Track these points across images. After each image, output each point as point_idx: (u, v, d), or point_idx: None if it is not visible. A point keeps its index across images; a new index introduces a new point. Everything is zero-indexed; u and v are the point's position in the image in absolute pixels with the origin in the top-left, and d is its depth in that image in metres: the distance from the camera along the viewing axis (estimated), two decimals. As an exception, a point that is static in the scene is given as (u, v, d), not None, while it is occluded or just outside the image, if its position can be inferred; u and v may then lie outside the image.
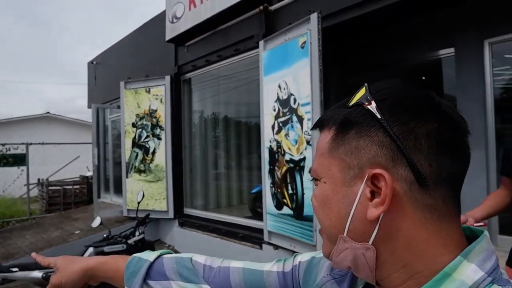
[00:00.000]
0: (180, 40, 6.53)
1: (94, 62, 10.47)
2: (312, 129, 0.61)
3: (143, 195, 4.15)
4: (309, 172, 1.67)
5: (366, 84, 0.54)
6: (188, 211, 6.84)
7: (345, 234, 0.52)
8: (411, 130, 0.48)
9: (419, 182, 0.47)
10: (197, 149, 7.13)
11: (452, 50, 4.33)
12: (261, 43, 4.94)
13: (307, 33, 4.11)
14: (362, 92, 0.52)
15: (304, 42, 4.17)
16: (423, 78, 6.75)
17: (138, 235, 3.94)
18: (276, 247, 4.76)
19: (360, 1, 4.10)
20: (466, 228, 0.53)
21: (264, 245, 4.96)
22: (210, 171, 7.19)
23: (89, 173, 13.25)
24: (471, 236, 0.51)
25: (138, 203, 4.13)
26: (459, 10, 4.21)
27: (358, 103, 0.51)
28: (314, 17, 4.04)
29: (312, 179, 0.58)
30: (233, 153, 7.05)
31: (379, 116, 0.49)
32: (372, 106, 0.50)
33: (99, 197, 9.44)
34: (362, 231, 0.51)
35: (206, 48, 6.10)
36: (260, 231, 5.11)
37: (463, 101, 4.20)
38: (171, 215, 6.73)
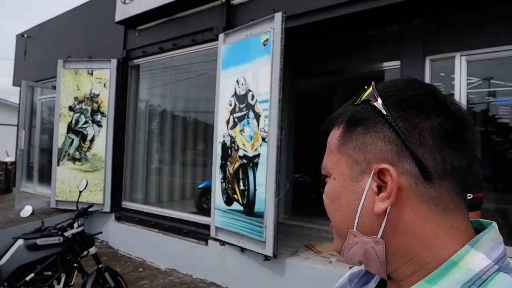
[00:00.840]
0: (131, 23, 6.21)
1: (25, 36, 9.52)
2: (322, 128, 0.62)
3: (87, 184, 3.85)
4: (320, 168, 1.67)
5: (373, 82, 0.55)
6: (126, 204, 6.51)
7: (354, 228, 0.53)
8: (416, 125, 0.49)
9: (424, 175, 0.49)
10: (141, 139, 6.82)
11: (398, 63, 4.65)
12: (221, 36, 4.87)
13: (270, 31, 4.14)
14: (369, 90, 0.54)
15: (267, 40, 4.19)
16: (365, 87, 7.17)
17: (77, 227, 3.65)
18: (223, 243, 4.73)
19: (321, 6, 4.24)
20: (475, 222, 0.55)
21: (210, 241, 4.90)
22: (154, 163, 6.92)
23: (8, 159, 12.03)
24: (480, 229, 0.52)
25: (80, 192, 3.83)
26: (407, 27, 4.54)
27: (365, 101, 0.53)
28: (278, 16, 4.08)
29: (323, 176, 0.59)
30: (180, 147, 6.87)
31: (384, 112, 0.51)
32: (378, 103, 0.51)
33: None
34: (370, 225, 0.52)
35: (160, 34, 5.87)
36: (206, 227, 5.04)
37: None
38: (107, 208, 6.36)
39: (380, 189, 0.51)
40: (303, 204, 6.25)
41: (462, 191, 0.51)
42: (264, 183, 4.12)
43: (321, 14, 4.29)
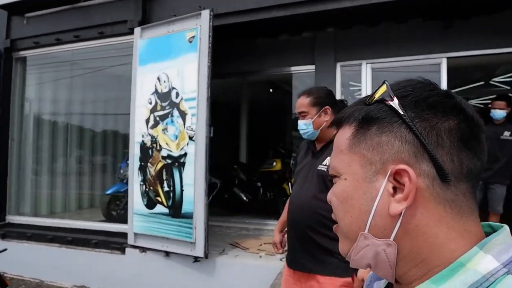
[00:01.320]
0: (16, 8, 5.38)
1: None
2: (329, 126, 0.61)
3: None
4: (327, 170, 1.78)
5: (386, 81, 0.55)
6: (12, 218, 5.57)
7: (366, 230, 0.52)
8: (434, 126, 0.49)
9: (441, 177, 0.48)
10: (30, 143, 5.92)
11: (313, 67, 5.05)
12: (137, 30, 4.59)
13: (197, 28, 4.08)
14: (383, 89, 0.53)
15: (193, 37, 4.11)
16: (271, 90, 7.57)
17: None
18: (144, 249, 4.42)
19: (239, 9, 4.32)
20: (485, 225, 0.54)
21: (128, 249, 4.53)
22: (46, 170, 6.07)
23: None
24: (490, 232, 0.51)
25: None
26: (321, 35, 4.97)
27: (380, 100, 0.52)
28: (206, 13, 4.05)
29: (331, 177, 0.58)
30: (77, 150, 6.19)
31: (401, 112, 0.50)
32: (395, 103, 0.51)
33: None
34: (383, 227, 0.51)
35: (58, 24, 5.22)
36: (121, 234, 4.66)
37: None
38: (-15, 224, 5.35)
39: (395, 190, 0.50)
40: (217, 205, 6.25)
41: (474, 194, 0.51)
42: (193, 183, 4.01)
43: (238, 16, 4.36)
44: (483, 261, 0.46)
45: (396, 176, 0.49)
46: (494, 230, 0.52)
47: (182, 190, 4.11)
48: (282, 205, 5.51)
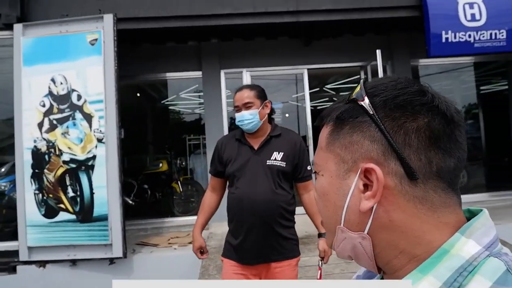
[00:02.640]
0: None
1: None
2: (315, 124, 0.63)
3: None
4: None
5: (362, 80, 0.57)
6: None
7: (342, 224, 0.54)
8: (401, 125, 0.49)
9: (409, 176, 0.49)
10: None
11: (200, 73, 5.57)
12: (17, 26, 4.22)
13: (100, 32, 4.11)
14: (358, 88, 0.54)
15: (96, 40, 4.12)
16: (138, 94, 7.63)
17: None
18: (42, 263, 4.11)
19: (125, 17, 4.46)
20: (465, 210, 0.54)
21: (19, 267, 4.11)
22: None
23: None
24: (470, 217, 0.51)
25: None
26: (206, 44, 5.55)
27: (353, 99, 0.53)
28: (109, 17, 4.13)
29: (314, 172, 0.62)
30: None
31: (371, 112, 0.51)
32: (365, 102, 0.51)
33: None
34: (357, 221, 0.53)
35: None
36: (9, 253, 4.18)
37: (209, 116, 5.51)
38: None
39: (366, 187, 0.51)
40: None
41: (452, 188, 0.51)
42: (105, 185, 4.02)
43: (125, 23, 4.47)
44: (465, 246, 0.47)
45: (367, 174, 0.50)
46: (473, 214, 0.53)
47: (92, 194, 4.05)
48: (173, 203, 5.85)
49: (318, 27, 5.09)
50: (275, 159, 2.09)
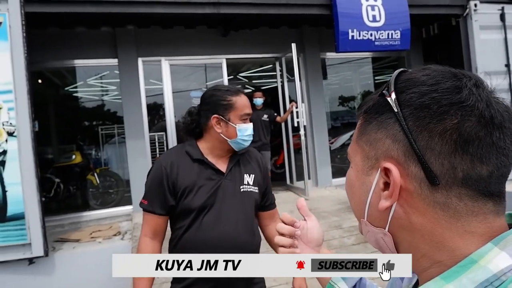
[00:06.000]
0: None
1: None
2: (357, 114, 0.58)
3: None
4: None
5: (398, 70, 0.52)
6: None
7: (365, 218, 0.54)
8: (425, 126, 0.46)
9: (429, 180, 0.46)
10: None
11: (115, 61, 5.36)
12: None
13: (5, 14, 3.74)
14: (391, 80, 0.51)
15: (0, 23, 3.73)
16: (39, 81, 7.00)
17: None
18: None
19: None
20: (506, 215, 0.50)
21: None
22: None
23: None
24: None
25: None
26: (122, 31, 5.35)
27: (382, 94, 0.51)
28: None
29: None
30: None
31: (395, 109, 0.48)
32: (391, 98, 0.49)
33: None
34: (378, 218, 0.52)
35: None
36: None
37: (127, 105, 5.37)
38: None
39: (387, 186, 0.49)
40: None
41: (485, 196, 0.46)
42: (20, 182, 3.74)
43: (32, 6, 4.09)
44: (496, 258, 0.43)
45: (387, 172, 0.49)
46: None
47: (5, 192, 3.73)
48: (91, 196, 5.60)
49: (236, 19, 5.27)
50: (248, 184, 1.64)
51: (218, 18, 5.30)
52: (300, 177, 5.86)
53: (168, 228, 1.64)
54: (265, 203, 1.72)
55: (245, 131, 1.58)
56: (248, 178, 1.65)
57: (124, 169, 5.78)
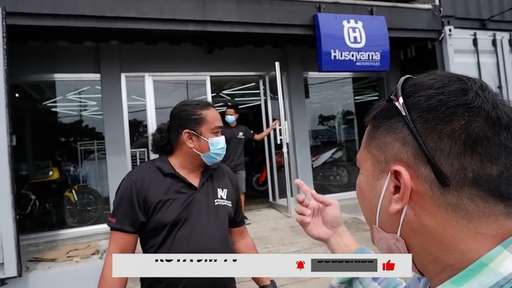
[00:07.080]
0: None
1: None
2: (364, 121, 0.60)
3: None
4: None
5: (405, 76, 0.54)
6: None
7: (377, 224, 0.54)
8: (434, 128, 0.47)
9: (440, 181, 0.46)
10: None
11: (98, 76, 5.30)
12: None
13: (-15, 26, 3.66)
14: (398, 86, 0.52)
15: (-21, 34, 3.65)
16: (16, 95, 6.83)
17: None
18: None
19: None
20: None
21: None
22: None
23: None
24: None
25: None
26: (105, 46, 5.31)
27: (390, 99, 0.52)
28: (-4, 11, 3.69)
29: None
30: None
31: (403, 113, 0.49)
32: (399, 102, 0.50)
33: None
34: (390, 223, 0.52)
35: None
36: None
37: (108, 121, 5.29)
38: None
39: (398, 189, 0.49)
40: None
41: (496, 197, 0.46)
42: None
43: (14, 18, 4.03)
44: (506, 261, 0.43)
45: (397, 175, 0.49)
46: None
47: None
48: (68, 214, 5.43)
49: (221, 36, 5.33)
50: (221, 198, 1.64)
51: (203, 36, 5.35)
52: (283, 194, 5.86)
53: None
54: (236, 218, 1.73)
55: (217, 145, 1.58)
56: (222, 193, 1.64)
57: (103, 186, 5.65)
